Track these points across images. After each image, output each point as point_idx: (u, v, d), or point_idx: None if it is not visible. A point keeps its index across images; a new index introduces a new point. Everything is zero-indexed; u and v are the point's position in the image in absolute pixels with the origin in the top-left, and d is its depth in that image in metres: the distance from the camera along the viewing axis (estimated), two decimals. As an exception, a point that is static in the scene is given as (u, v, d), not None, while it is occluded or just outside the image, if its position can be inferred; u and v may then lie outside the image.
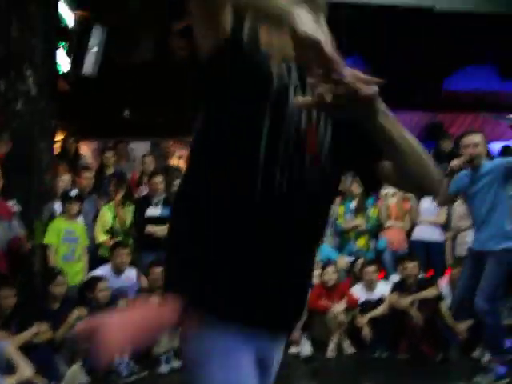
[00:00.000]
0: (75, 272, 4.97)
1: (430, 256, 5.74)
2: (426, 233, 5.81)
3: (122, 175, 6.10)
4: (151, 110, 8.35)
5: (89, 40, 6.18)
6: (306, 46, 0.93)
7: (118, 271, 4.96)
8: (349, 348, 4.95)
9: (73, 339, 4.04)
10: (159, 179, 5.46)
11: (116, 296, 4.62)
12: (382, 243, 5.95)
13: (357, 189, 5.85)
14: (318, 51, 0.92)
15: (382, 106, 1.02)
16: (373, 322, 4.95)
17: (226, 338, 1.17)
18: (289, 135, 1.19)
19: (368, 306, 5.06)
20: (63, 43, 6.47)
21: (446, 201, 4.68)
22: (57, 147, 7.15)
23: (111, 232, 5.39)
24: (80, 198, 5.25)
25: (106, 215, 5.42)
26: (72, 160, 6.55)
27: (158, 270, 4.67)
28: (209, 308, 1.18)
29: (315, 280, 5.03)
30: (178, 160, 7.71)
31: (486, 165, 4.14)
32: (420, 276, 5.11)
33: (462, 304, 4.56)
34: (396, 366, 4.63)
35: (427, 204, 5.73)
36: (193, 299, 1.17)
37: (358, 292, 5.20)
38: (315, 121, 1.24)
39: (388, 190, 5.78)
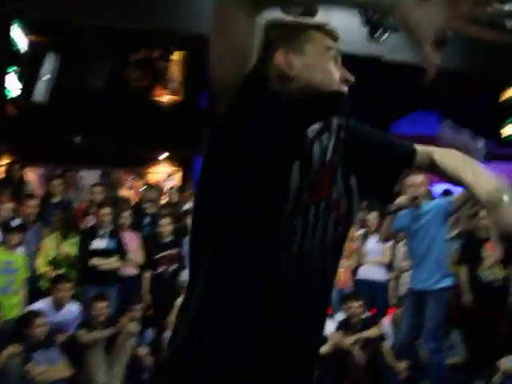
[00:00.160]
0: (12, 305, 4.76)
1: (373, 295, 5.84)
2: (371, 272, 5.91)
3: (68, 204, 5.96)
4: (102, 137, 8.25)
5: (41, 66, 6.07)
6: None
7: (59, 306, 4.79)
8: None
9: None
10: (107, 211, 5.36)
11: (55, 330, 4.46)
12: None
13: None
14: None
15: None
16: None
17: None
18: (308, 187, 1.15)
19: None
20: (14, 68, 6.32)
21: (389, 237, 4.85)
22: (1, 172, 6.93)
23: (54, 263, 5.23)
24: (23, 227, 5.09)
25: (49, 245, 5.26)
26: (16, 187, 6.35)
27: (101, 305, 4.54)
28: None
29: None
30: (129, 191, 7.60)
31: (428, 204, 4.36)
32: (364, 315, 5.17)
33: (405, 343, 4.66)
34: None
35: (372, 244, 5.87)
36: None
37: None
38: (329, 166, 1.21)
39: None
